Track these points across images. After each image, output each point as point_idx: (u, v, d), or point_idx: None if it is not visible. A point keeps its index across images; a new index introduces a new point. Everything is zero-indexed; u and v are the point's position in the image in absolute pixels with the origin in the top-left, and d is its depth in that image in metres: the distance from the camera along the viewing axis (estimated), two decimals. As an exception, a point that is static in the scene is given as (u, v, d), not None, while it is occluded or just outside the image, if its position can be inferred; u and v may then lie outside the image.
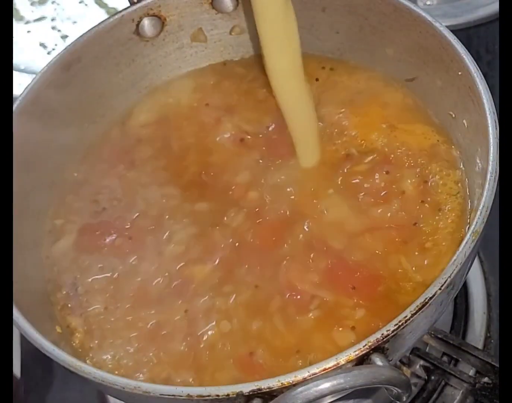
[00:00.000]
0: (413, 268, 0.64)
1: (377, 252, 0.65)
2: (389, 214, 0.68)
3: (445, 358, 0.80)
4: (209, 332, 0.64)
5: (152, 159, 0.77)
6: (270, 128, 0.77)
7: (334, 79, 0.80)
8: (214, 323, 0.64)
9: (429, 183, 0.69)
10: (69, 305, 0.68)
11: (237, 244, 0.68)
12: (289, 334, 0.62)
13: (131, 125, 0.81)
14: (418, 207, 0.68)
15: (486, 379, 0.77)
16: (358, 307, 0.62)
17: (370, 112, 0.76)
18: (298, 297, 0.64)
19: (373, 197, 0.69)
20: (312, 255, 0.66)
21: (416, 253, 0.65)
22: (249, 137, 0.76)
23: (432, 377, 0.79)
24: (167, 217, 0.71)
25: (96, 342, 0.66)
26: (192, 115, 0.80)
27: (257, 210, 0.70)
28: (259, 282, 0.66)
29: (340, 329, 0.61)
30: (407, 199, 0.69)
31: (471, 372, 0.79)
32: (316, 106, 0.75)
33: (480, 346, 0.81)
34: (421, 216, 0.67)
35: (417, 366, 0.79)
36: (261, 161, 0.74)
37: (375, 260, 0.65)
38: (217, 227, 0.70)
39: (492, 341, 0.83)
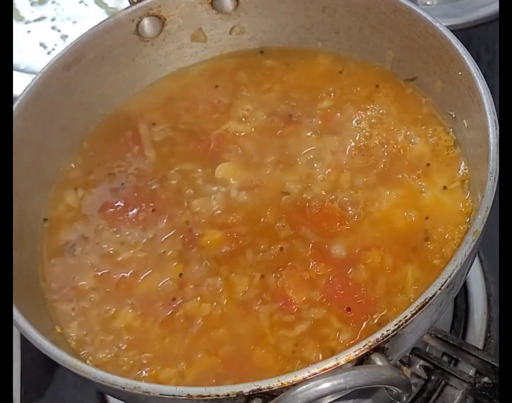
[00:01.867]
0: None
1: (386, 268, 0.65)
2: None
3: (445, 358, 0.80)
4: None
5: (167, 139, 0.78)
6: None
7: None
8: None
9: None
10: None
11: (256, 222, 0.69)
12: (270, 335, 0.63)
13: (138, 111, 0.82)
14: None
15: (486, 379, 0.77)
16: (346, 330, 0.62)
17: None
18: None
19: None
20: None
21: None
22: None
23: (432, 377, 0.79)
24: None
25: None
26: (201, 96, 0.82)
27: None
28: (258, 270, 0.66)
29: (318, 345, 0.61)
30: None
31: (471, 372, 0.78)
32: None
33: (480, 346, 0.81)
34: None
35: (417, 366, 0.79)
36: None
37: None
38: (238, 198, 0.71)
39: (492, 341, 0.83)
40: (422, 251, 0.65)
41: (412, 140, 0.73)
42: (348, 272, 0.65)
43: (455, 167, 0.70)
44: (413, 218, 0.67)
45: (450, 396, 0.78)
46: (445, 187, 0.69)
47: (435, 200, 0.68)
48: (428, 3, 1.16)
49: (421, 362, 0.79)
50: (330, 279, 0.64)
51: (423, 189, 0.69)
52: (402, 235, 0.66)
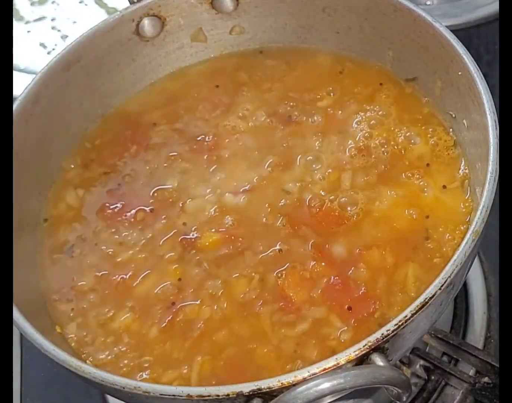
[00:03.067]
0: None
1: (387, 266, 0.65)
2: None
3: (445, 358, 0.80)
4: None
5: (167, 139, 0.78)
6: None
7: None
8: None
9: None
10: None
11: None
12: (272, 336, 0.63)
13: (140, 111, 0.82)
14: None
15: (486, 379, 0.77)
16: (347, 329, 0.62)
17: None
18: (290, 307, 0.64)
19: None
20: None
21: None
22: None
23: (432, 377, 0.79)
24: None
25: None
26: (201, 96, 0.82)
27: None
28: (258, 271, 0.66)
29: (319, 344, 0.61)
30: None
31: (471, 372, 0.78)
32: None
33: (480, 346, 0.81)
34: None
35: (417, 366, 0.79)
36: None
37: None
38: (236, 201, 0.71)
39: (492, 341, 0.83)
40: (423, 250, 0.65)
41: (412, 140, 0.73)
42: (349, 272, 0.65)
43: (455, 167, 0.70)
44: (414, 217, 0.67)
45: (450, 396, 0.78)
46: (444, 187, 0.69)
47: (436, 199, 0.68)
48: (428, 3, 1.16)
49: (421, 362, 0.79)
50: (330, 278, 0.64)
51: (424, 189, 0.69)
52: (402, 234, 0.66)
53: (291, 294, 0.64)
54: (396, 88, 0.77)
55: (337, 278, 0.64)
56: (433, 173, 0.70)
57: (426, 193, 0.69)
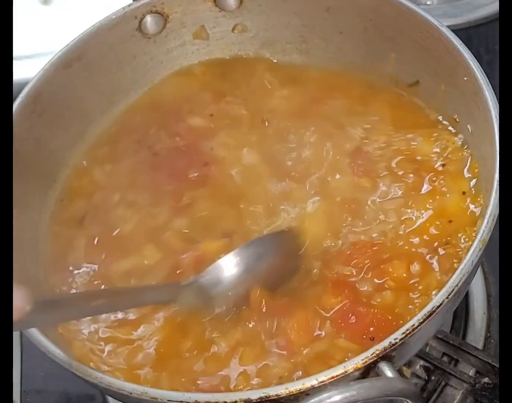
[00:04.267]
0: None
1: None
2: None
3: (445, 358, 0.80)
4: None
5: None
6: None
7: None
8: None
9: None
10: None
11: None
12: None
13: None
14: None
15: (486, 379, 0.77)
16: None
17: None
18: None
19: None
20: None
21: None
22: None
23: (432, 377, 0.79)
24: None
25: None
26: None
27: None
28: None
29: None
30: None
31: (471, 372, 0.79)
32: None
33: (480, 346, 0.82)
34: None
35: (417, 366, 0.79)
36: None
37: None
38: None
39: (492, 341, 0.83)
40: (443, 255, 0.65)
41: (415, 143, 0.72)
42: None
43: (463, 173, 0.69)
44: (437, 223, 0.66)
45: (450, 396, 0.78)
46: (464, 193, 0.68)
47: (455, 205, 0.67)
48: (428, 3, 1.16)
49: (421, 362, 0.79)
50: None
51: (447, 195, 0.68)
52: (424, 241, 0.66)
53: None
54: (398, 92, 0.77)
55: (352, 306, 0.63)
56: (449, 180, 0.69)
57: (445, 199, 0.68)
